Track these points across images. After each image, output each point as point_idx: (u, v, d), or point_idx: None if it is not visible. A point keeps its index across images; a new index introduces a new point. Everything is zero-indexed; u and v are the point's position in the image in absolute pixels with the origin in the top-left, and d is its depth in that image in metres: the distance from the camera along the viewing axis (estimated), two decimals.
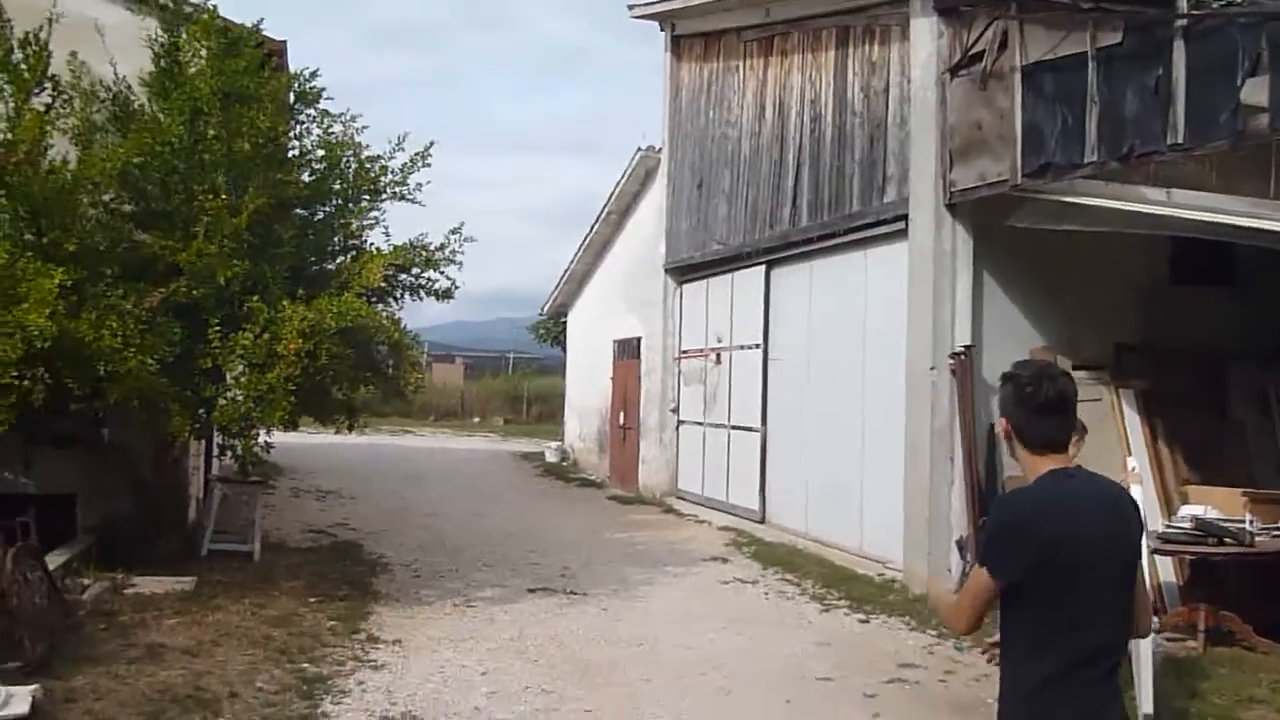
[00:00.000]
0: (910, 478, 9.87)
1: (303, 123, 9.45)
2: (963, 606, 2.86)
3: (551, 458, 22.99)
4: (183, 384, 8.10)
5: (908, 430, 9.95)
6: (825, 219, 11.96)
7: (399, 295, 9.47)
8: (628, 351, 19.08)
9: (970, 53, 9.31)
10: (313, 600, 8.57)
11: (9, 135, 7.93)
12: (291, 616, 8.01)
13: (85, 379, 7.65)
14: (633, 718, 6.18)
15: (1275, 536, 7.84)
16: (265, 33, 9.33)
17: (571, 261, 21.97)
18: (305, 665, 6.83)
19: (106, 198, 8.59)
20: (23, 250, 7.71)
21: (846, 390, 11.50)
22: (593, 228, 20.42)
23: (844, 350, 11.63)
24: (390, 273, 9.13)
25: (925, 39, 9.85)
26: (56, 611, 7.06)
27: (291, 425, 8.84)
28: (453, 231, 9.33)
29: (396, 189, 9.30)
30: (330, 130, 9.36)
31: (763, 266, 13.66)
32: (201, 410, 8.32)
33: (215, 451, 11.13)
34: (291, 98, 9.37)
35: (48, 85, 8.34)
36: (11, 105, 8.14)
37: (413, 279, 9.39)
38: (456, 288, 9.55)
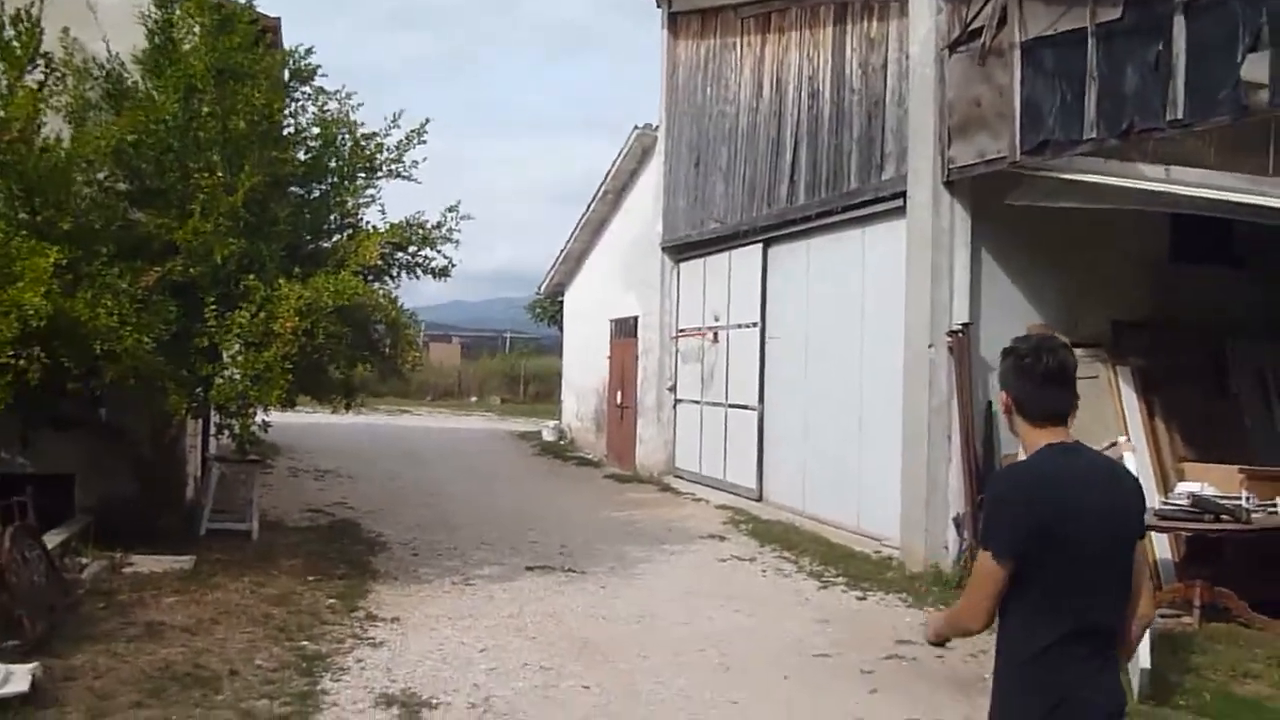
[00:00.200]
0: (908, 456, 9.88)
1: (298, 100, 9.41)
2: (972, 600, 2.80)
3: (549, 437, 23.02)
4: (179, 363, 8.08)
5: (905, 408, 9.95)
6: (823, 197, 11.93)
7: (396, 274, 9.45)
8: (625, 330, 19.06)
9: (969, 28, 9.25)
10: (311, 579, 8.59)
11: (2, 113, 7.88)
12: (290, 595, 8.02)
13: (81, 358, 7.63)
14: (631, 694, 6.20)
15: (1272, 513, 7.86)
16: (259, 9, 9.27)
17: (568, 240, 21.92)
18: (304, 643, 6.85)
19: (101, 176, 8.54)
20: (17, 229, 7.68)
21: (844, 368, 11.50)
22: (590, 206, 20.36)
23: (841, 328, 11.62)
24: (387, 251, 9.12)
25: (924, 14, 9.78)
26: (55, 590, 7.07)
27: (289, 404, 8.83)
28: (450, 209, 9.30)
29: (392, 166, 9.26)
30: (326, 108, 9.32)
31: (760, 245, 13.63)
32: (198, 389, 8.30)
33: (213, 431, 11.13)
34: (286, 75, 9.32)
35: (40, 62, 8.28)
36: (4, 83, 8.08)
37: (409, 257, 9.36)
38: (453, 266, 9.54)
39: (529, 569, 9.59)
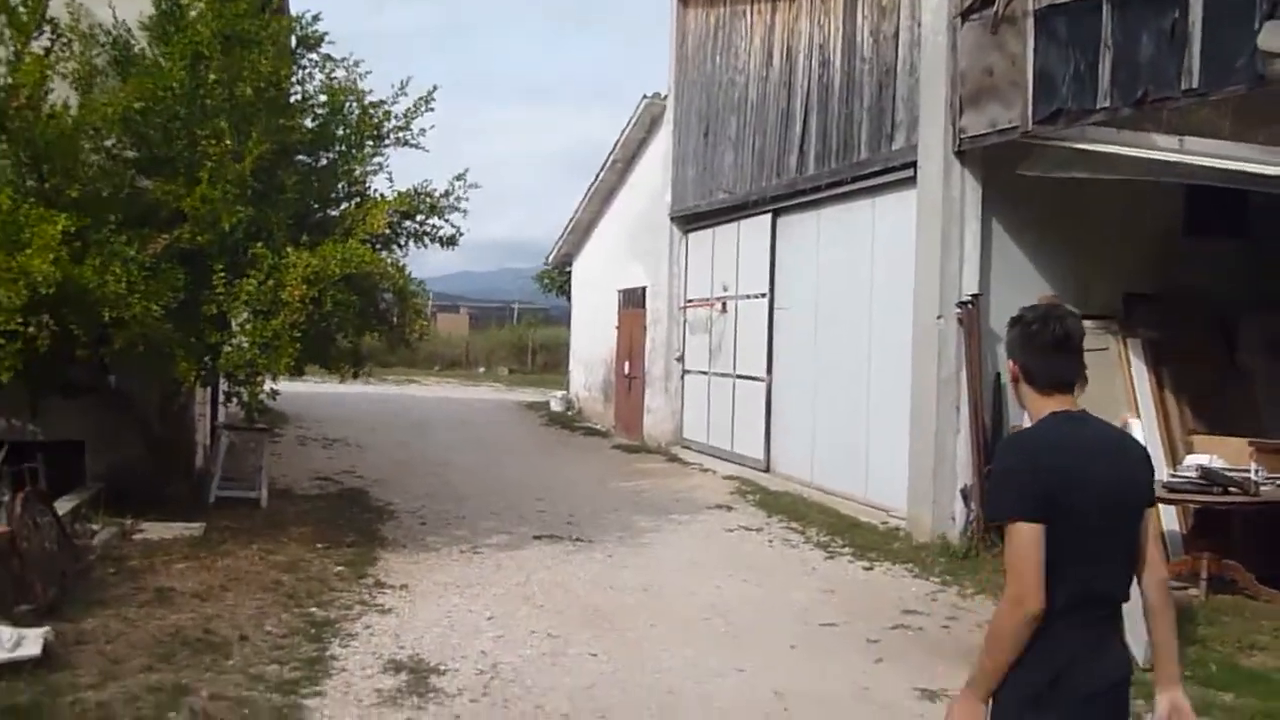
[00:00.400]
0: (916, 427, 9.87)
1: (305, 68, 9.35)
2: (1024, 576, 2.61)
3: (557, 407, 23.05)
4: (188, 330, 8.09)
5: (914, 379, 9.94)
6: (833, 167, 11.85)
7: (403, 242, 9.42)
8: (633, 301, 19.03)
9: None
10: (320, 546, 8.63)
11: (9, 79, 7.85)
12: (299, 562, 8.07)
13: (90, 326, 7.65)
14: (638, 662, 6.22)
15: None
16: None
17: (576, 211, 21.85)
18: (313, 609, 6.89)
19: (108, 143, 8.52)
20: (25, 196, 7.68)
21: (853, 339, 11.47)
22: (598, 176, 20.28)
23: (850, 299, 11.58)
24: (395, 220, 9.09)
25: None
26: (66, 556, 7.13)
27: (297, 373, 8.86)
28: (457, 178, 9.27)
29: (400, 134, 9.22)
30: (333, 75, 9.27)
31: (769, 215, 13.57)
32: (207, 357, 8.31)
33: (221, 399, 11.17)
34: (293, 42, 9.27)
35: (46, 28, 8.24)
36: (11, 49, 8.05)
37: (417, 226, 9.34)
38: (461, 235, 9.51)
39: (536, 538, 9.62)
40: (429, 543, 9.26)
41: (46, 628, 5.65)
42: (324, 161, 9.36)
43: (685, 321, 16.44)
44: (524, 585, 7.90)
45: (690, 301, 16.24)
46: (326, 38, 9.30)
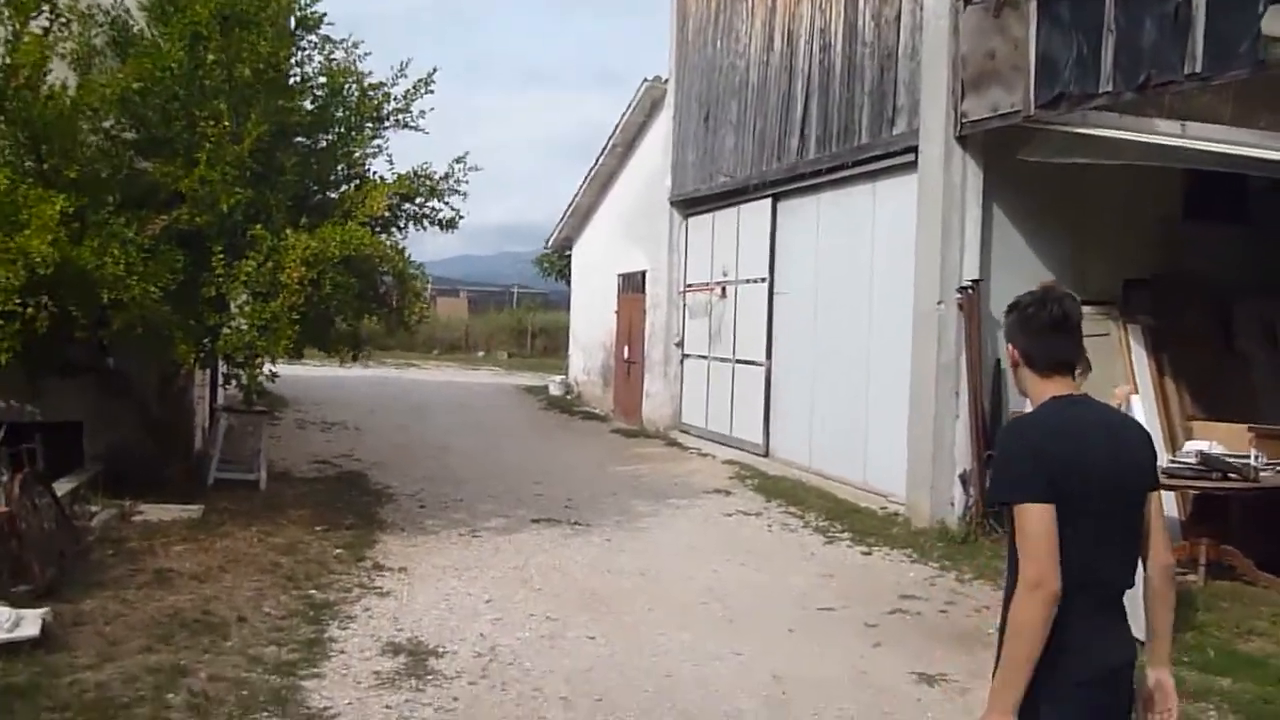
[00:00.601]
0: (915, 412, 9.87)
1: (304, 49, 9.30)
2: (1039, 558, 2.56)
3: (555, 391, 23.04)
4: (187, 312, 8.08)
5: (914, 364, 9.93)
6: (833, 151, 11.81)
7: (403, 225, 9.40)
8: (632, 285, 19.01)
9: None
10: (319, 529, 8.64)
11: (8, 59, 7.81)
12: (298, 544, 8.08)
13: (88, 307, 7.64)
14: (636, 645, 6.23)
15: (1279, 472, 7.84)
16: None
17: (576, 195, 21.79)
18: (312, 591, 6.90)
19: (107, 124, 8.49)
20: (23, 177, 7.65)
21: (853, 324, 11.45)
22: (598, 160, 20.21)
23: (851, 284, 11.56)
24: (394, 202, 9.07)
25: None
26: (65, 537, 7.13)
27: (296, 356, 8.84)
28: (457, 160, 9.24)
29: (399, 116, 9.19)
30: (332, 57, 9.23)
31: (769, 199, 13.54)
32: (206, 339, 8.30)
33: (220, 381, 11.15)
34: (292, 23, 9.21)
35: (45, 8, 8.19)
36: (10, 28, 8.00)
37: (417, 208, 9.32)
38: (461, 218, 9.49)
39: (535, 522, 9.63)
40: (427, 526, 9.27)
41: (45, 609, 5.66)
42: (323, 143, 9.33)
43: (685, 306, 16.42)
44: (522, 569, 7.91)
45: (690, 286, 16.22)
46: (325, 19, 9.26)
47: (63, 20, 8.34)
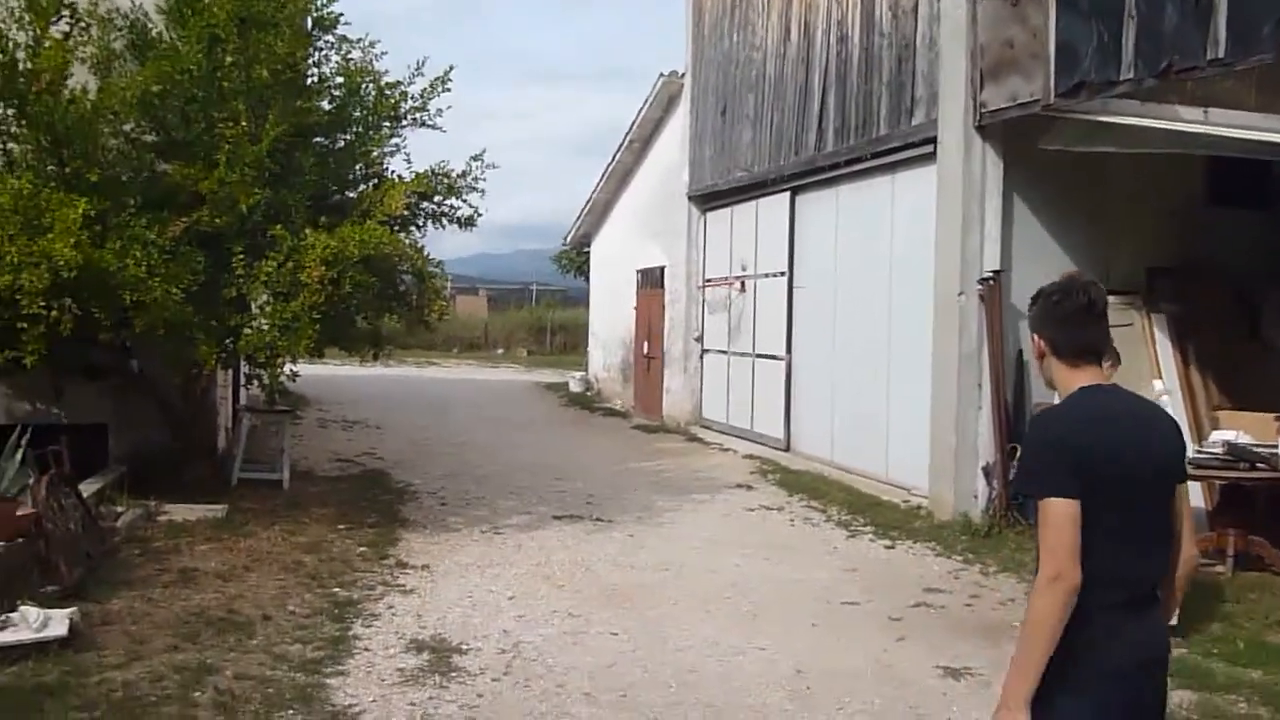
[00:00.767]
0: (937, 404, 9.81)
1: (321, 49, 9.35)
2: (1058, 552, 2.54)
3: (576, 388, 23.06)
4: (208, 313, 8.13)
5: (935, 356, 9.87)
6: (852, 143, 11.76)
7: (421, 223, 9.44)
8: (651, 281, 18.99)
9: None
10: (342, 527, 8.68)
11: (30, 64, 7.87)
12: (321, 542, 8.11)
13: (111, 309, 7.70)
14: (659, 641, 6.23)
15: None
16: None
17: (594, 191, 21.79)
18: (336, 589, 6.93)
19: (127, 128, 8.55)
20: (46, 181, 7.72)
21: (873, 317, 11.40)
22: (615, 156, 20.20)
23: (870, 277, 11.51)
24: (412, 200, 9.10)
25: None
26: (91, 538, 7.18)
27: (317, 355, 8.88)
28: (474, 158, 9.26)
29: (417, 115, 9.22)
30: (349, 57, 9.26)
31: (788, 193, 13.49)
32: (227, 339, 8.34)
33: (243, 381, 11.21)
34: (309, 24, 9.25)
35: (65, 13, 8.25)
36: (30, 33, 8.06)
37: (435, 207, 9.35)
38: (479, 215, 9.52)
39: (557, 518, 9.64)
40: (450, 523, 9.29)
41: (72, 608, 5.71)
42: (341, 143, 9.37)
43: (704, 301, 16.40)
44: (544, 565, 7.91)
45: (709, 281, 16.19)
46: (342, 19, 9.29)
47: (83, 25, 8.40)
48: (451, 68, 9.23)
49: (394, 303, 9.33)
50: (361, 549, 8.04)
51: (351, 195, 9.31)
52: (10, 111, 8.00)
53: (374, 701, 5.12)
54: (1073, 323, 2.76)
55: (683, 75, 16.89)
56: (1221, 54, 6.97)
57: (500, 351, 37.52)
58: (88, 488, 8.04)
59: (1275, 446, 7.69)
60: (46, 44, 7.94)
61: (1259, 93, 8.13)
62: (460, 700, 5.19)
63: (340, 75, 9.25)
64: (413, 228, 9.37)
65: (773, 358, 13.88)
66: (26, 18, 8.05)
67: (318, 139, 9.21)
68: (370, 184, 9.30)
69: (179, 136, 8.51)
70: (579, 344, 29.20)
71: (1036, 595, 2.59)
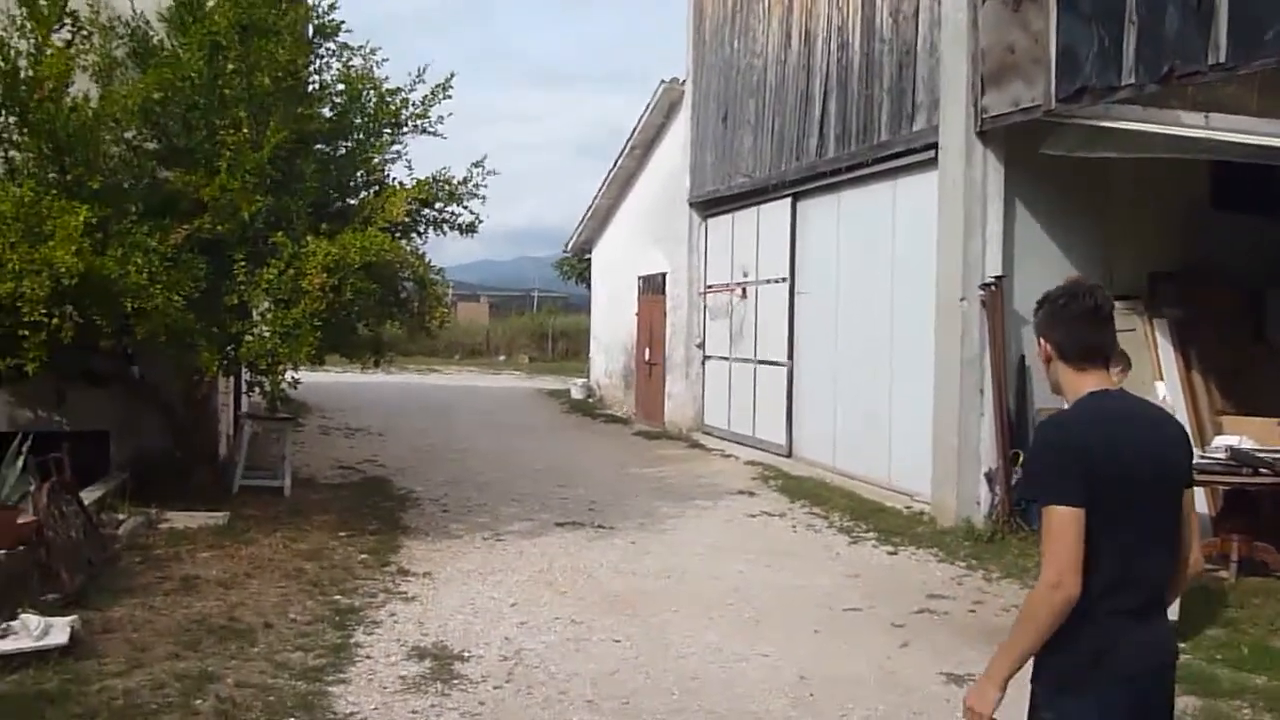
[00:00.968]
0: (939, 410, 9.80)
1: (322, 57, 9.35)
2: (1059, 559, 2.54)
3: (577, 394, 23.04)
4: (209, 320, 8.12)
5: (937, 362, 9.86)
6: (853, 149, 11.76)
7: (422, 230, 9.43)
8: (653, 287, 18.99)
9: None
10: (343, 534, 8.66)
11: (32, 71, 7.88)
12: (323, 550, 8.10)
13: (113, 316, 7.69)
14: (661, 647, 6.21)
15: None
16: None
17: (595, 197, 21.79)
18: (337, 597, 6.91)
19: (129, 135, 8.55)
20: (47, 189, 7.72)
21: (875, 323, 11.40)
22: (616, 162, 20.21)
23: (872, 282, 11.50)
24: (413, 207, 9.09)
25: None
26: (92, 545, 7.17)
27: (318, 362, 8.86)
28: (475, 165, 9.26)
29: (417, 122, 9.22)
30: (350, 64, 9.26)
31: (789, 199, 13.49)
32: (229, 346, 8.34)
33: (244, 388, 11.21)
34: (310, 31, 9.26)
35: (67, 21, 8.26)
36: (32, 41, 8.07)
37: (436, 213, 9.34)
38: (480, 222, 9.51)
39: (559, 525, 9.62)
40: (451, 530, 9.28)
41: (73, 616, 5.69)
42: (342, 150, 9.37)
43: (705, 307, 16.39)
44: (546, 571, 7.90)
45: (710, 287, 16.19)
46: (343, 26, 9.30)
47: (84, 33, 8.43)
48: (452, 75, 9.25)
49: (395, 309, 9.33)
50: (363, 556, 8.03)
51: (353, 202, 9.31)
52: (12, 119, 8.00)
53: (375, 709, 5.11)
54: (1081, 325, 2.76)
55: (684, 81, 16.90)
56: (1223, 59, 6.96)
57: (502, 358, 37.50)
58: (89, 495, 8.03)
59: (1279, 452, 7.67)
60: (48, 52, 7.95)
61: (1261, 97, 8.14)
62: (462, 708, 5.17)
63: (341, 82, 9.25)
64: (414, 234, 9.36)
65: (774, 364, 13.87)
66: (28, 26, 8.07)
67: (319, 146, 9.21)
68: (371, 191, 9.29)
69: (180, 144, 8.52)
70: (581, 350, 29.17)
71: (1035, 597, 2.61)
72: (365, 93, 9.17)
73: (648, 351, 18.99)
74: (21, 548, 6.18)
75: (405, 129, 9.28)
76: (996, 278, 9.44)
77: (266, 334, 8.08)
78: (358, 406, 19.04)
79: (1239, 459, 7.61)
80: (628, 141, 19.49)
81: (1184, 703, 5.24)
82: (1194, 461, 7.62)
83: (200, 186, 8.13)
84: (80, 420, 9.17)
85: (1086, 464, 2.59)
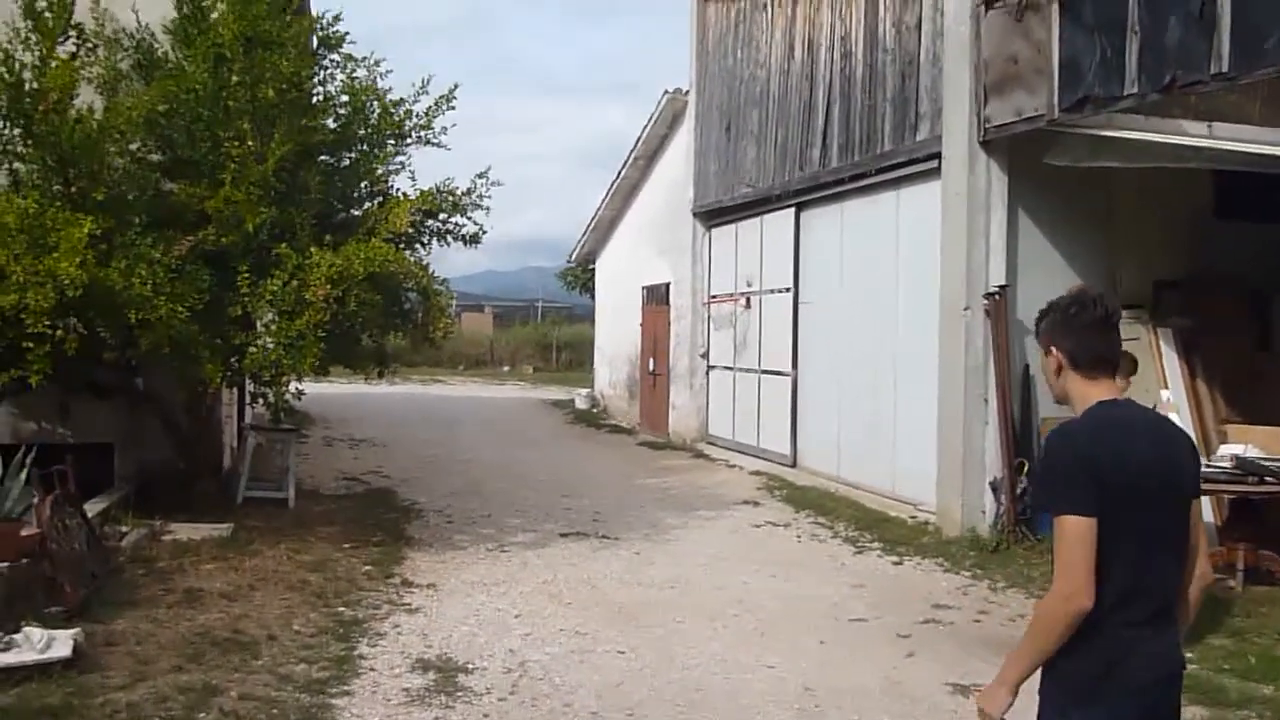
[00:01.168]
0: (944, 419, 9.78)
1: (326, 68, 9.38)
2: (1072, 570, 2.54)
3: (581, 405, 23.04)
4: (213, 332, 8.13)
5: (941, 371, 9.85)
6: (856, 159, 11.77)
7: (427, 241, 9.44)
8: (657, 297, 19.00)
9: None
10: (347, 545, 8.65)
11: (36, 84, 7.91)
12: (327, 561, 8.09)
13: (117, 327, 7.71)
14: (666, 658, 6.19)
15: None
16: None
17: (599, 207, 21.83)
18: (341, 609, 6.90)
19: (133, 147, 8.58)
20: (52, 200, 7.74)
21: (879, 333, 11.39)
22: (620, 172, 20.25)
23: (876, 292, 11.50)
24: (417, 218, 9.10)
25: None
26: (96, 558, 7.16)
27: (323, 374, 8.87)
28: (479, 175, 9.28)
29: (421, 133, 9.23)
30: (354, 75, 9.28)
31: (793, 209, 13.49)
32: (233, 358, 8.34)
33: (247, 399, 11.21)
34: (314, 43, 9.29)
35: (72, 33, 8.29)
36: (37, 53, 8.10)
37: (440, 224, 9.35)
38: (484, 233, 9.53)
39: (563, 535, 9.61)
40: (456, 541, 9.26)
41: (76, 629, 5.68)
42: (346, 161, 9.39)
43: (709, 317, 16.39)
44: (551, 583, 7.88)
45: (714, 297, 16.19)
46: (347, 37, 9.32)
47: (89, 45, 8.45)
48: (456, 86, 9.27)
49: (399, 320, 9.34)
50: (367, 568, 8.01)
51: (356, 213, 9.32)
52: (16, 131, 8.02)
53: None
54: (1091, 333, 2.75)
55: (687, 92, 16.94)
56: (1225, 68, 6.96)
57: (506, 369, 37.53)
58: (93, 507, 8.03)
59: None
60: (53, 64, 7.97)
61: (1264, 106, 8.14)
62: None
63: (345, 94, 9.27)
64: (418, 245, 9.37)
65: (778, 373, 13.86)
66: (33, 38, 8.10)
67: (323, 157, 9.23)
68: (375, 202, 9.31)
69: (185, 155, 8.54)
70: (585, 361, 29.20)
71: (1047, 607, 2.62)
72: (369, 104, 9.19)
73: (652, 362, 18.99)
74: (25, 560, 6.17)
75: (409, 140, 9.30)
76: (1000, 287, 9.44)
77: (270, 345, 8.08)
78: (361, 417, 19.04)
79: (1244, 468, 7.58)
80: (631, 152, 19.53)
81: (1191, 713, 5.21)
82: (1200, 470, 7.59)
83: (204, 198, 8.15)
84: (84, 432, 9.18)
85: (1098, 474, 2.58)
